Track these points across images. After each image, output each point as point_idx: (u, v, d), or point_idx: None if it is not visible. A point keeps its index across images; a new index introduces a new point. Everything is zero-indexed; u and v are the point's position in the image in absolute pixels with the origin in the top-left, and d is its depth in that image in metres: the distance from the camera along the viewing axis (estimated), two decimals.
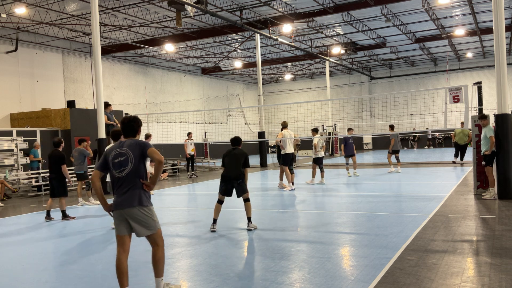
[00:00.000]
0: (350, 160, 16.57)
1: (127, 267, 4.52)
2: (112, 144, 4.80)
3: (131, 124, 4.59)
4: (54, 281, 5.47)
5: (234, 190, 7.84)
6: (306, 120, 32.58)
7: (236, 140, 8.02)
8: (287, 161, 13.10)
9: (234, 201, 11.51)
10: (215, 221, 7.90)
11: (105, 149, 4.66)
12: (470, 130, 15.00)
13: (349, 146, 16.16)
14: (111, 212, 4.61)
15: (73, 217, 10.09)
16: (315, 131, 14.48)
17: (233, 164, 7.75)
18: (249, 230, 7.74)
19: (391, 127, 17.24)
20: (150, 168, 19.16)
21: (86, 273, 5.68)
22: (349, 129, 16.83)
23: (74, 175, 12.44)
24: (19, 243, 7.68)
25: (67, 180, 9.97)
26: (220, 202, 7.89)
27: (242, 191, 7.77)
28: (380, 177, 15.47)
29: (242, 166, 7.74)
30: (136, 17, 20.85)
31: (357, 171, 16.75)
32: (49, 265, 6.24)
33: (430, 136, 36.60)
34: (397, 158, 17.08)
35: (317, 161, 14.29)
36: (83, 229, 8.64)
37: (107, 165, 4.53)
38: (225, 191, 7.81)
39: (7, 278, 5.69)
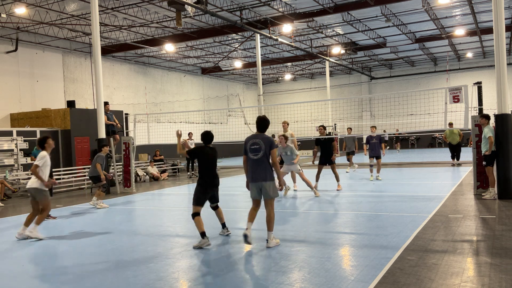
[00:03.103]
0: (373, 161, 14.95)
1: (255, 214, 6.63)
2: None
3: (265, 123, 6.72)
4: (54, 281, 5.47)
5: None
6: (306, 120, 32.56)
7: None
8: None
9: (233, 201, 11.51)
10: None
11: (245, 139, 6.67)
12: (462, 130, 14.92)
13: (372, 146, 14.58)
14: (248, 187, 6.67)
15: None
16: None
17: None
18: (227, 235, 7.34)
19: (350, 129, 18.51)
20: (150, 169, 19.25)
21: (86, 273, 5.68)
22: (372, 127, 15.19)
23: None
24: (19, 243, 7.68)
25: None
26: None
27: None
28: (380, 177, 15.42)
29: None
30: (136, 17, 20.85)
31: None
32: (49, 265, 6.23)
33: (386, 138, 36.53)
34: (350, 159, 18.17)
35: None
36: (82, 230, 8.64)
37: (246, 150, 6.61)
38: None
39: (7, 278, 5.69)
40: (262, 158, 6.46)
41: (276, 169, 6.60)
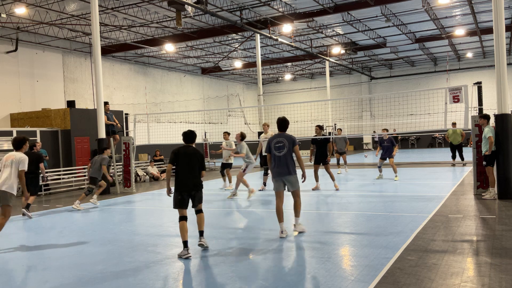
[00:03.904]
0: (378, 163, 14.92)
1: (282, 210, 7.19)
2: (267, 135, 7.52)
3: (285, 123, 7.41)
4: (54, 281, 5.47)
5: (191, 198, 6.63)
6: (306, 120, 32.52)
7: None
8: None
9: (233, 202, 11.51)
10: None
11: (268, 138, 7.55)
12: (464, 130, 14.89)
13: (384, 148, 14.53)
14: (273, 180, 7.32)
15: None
16: (227, 134, 13.82)
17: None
18: (200, 246, 6.54)
19: (340, 130, 18.13)
20: (150, 169, 19.24)
21: (86, 273, 5.68)
22: (384, 129, 15.25)
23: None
24: (18, 243, 7.68)
25: (42, 177, 10.91)
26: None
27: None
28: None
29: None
30: (136, 17, 20.85)
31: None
32: (49, 265, 6.23)
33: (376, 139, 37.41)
34: (344, 159, 17.63)
35: (229, 166, 13.72)
36: (82, 230, 8.64)
37: (270, 148, 7.27)
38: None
39: (7, 278, 5.69)
40: (286, 154, 7.17)
41: (300, 163, 7.26)
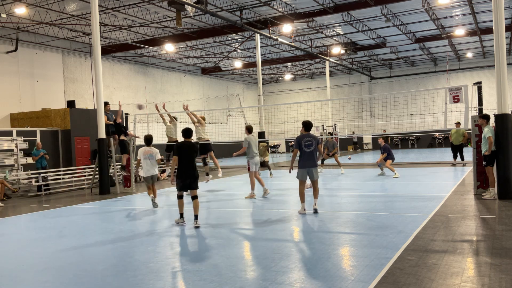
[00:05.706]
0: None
1: (304, 193, 9.12)
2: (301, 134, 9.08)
3: (311, 126, 9.08)
4: (54, 281, 5.47)
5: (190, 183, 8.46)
6: None
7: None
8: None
9: (234, 201, 11.51)
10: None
11: (297, 137, 9.04)
12: (468, 130, 15.02)
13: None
14: (290, 170, 9.51)
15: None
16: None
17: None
18: (196, 227, 8.10)
19: (331, 138, 18.25)
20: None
21: (86, 273, 5.68)
22: (380, 138, 16.44)
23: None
24: (19, 243, 7.68)
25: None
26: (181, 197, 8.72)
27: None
28: (379, 177, 15.44)
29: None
30: (136, 17, 20.85)
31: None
32: (49, 265, 6.23)
33: (355, 140, 39.16)
34: (322, 161, 17.72)
35: None
36: (83, 230, 8.64)
37: (300, 145, 8.90)
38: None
39: (7, 278, 5.69)
40: (313, 151, 8.88)
41: (319, 157, 9.20)
